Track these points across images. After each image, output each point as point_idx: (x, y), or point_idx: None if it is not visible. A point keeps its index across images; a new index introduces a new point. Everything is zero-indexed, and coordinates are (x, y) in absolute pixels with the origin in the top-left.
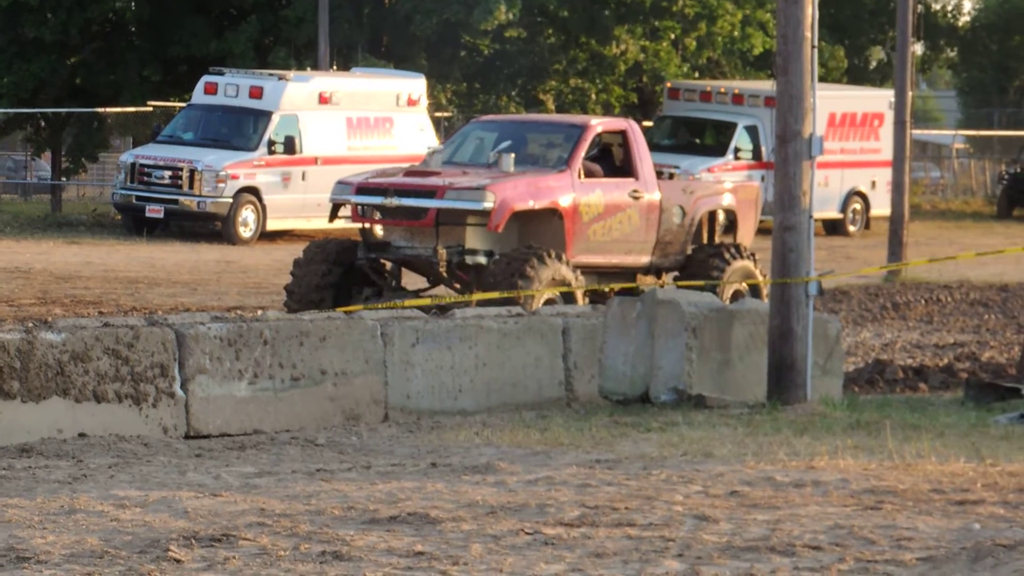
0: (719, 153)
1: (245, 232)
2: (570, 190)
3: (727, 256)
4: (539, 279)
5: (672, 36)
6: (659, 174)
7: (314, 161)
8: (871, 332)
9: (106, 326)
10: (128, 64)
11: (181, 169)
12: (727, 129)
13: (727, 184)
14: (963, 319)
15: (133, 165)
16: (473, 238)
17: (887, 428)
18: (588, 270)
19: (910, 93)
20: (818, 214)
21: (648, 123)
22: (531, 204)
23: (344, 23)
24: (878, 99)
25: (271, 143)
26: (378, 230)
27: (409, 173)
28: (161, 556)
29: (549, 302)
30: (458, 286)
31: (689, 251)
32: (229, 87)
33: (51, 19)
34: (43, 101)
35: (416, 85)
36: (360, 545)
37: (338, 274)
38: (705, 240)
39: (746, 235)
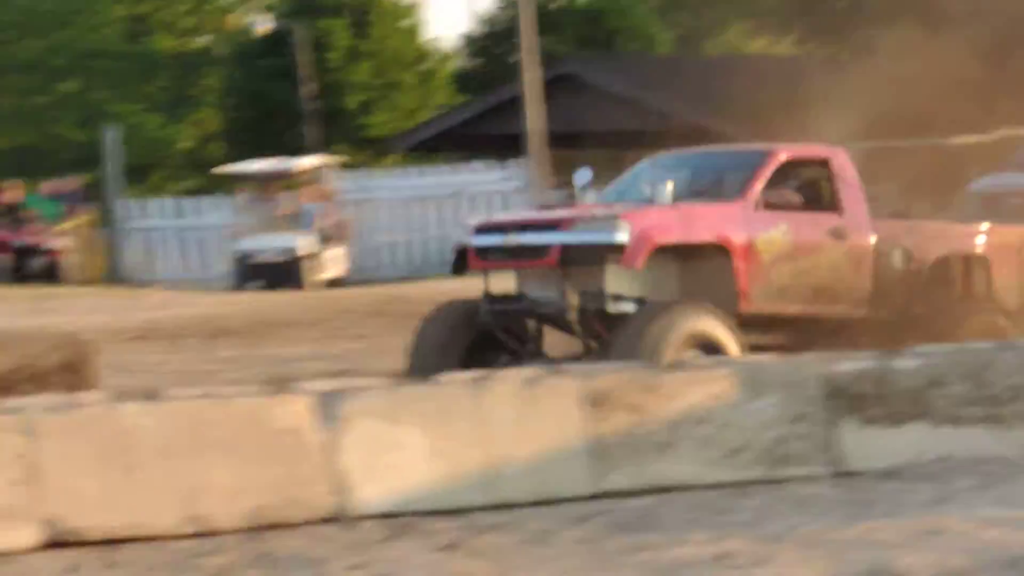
0: None
1: None
2: (742, 223)
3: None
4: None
5: None
6: None
7: None
8: None
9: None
10: None
11: None
12: None
13: (975, 226)
14: None
15: None
16: (616, 281)
17: None
18: (779, 321)
19: None
20: None
21: None
22: (681, 237)
23: None
24: None
25: None
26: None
27: (541, 208)
28: None
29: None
30: (594, 344)
31: (919, 306)
32: None
33: None
34: None
35: None
36: None
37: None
38: (944, 292)
39: (1007, 289)
